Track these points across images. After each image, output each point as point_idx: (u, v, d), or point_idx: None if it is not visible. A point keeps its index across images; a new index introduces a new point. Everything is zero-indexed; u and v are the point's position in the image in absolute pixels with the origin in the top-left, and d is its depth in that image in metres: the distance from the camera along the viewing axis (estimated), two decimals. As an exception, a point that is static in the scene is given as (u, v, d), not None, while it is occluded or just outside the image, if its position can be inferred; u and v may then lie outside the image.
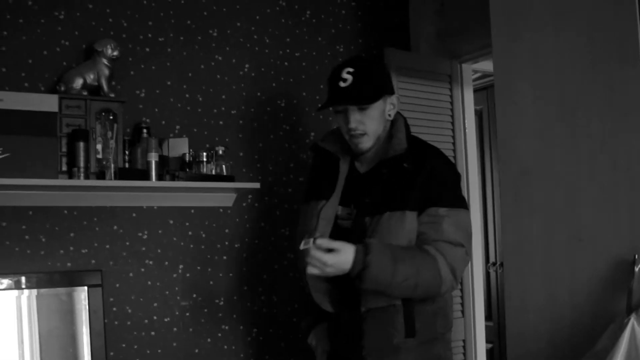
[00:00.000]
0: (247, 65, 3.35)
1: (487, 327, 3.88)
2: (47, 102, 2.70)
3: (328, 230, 2.35)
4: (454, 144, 3.70)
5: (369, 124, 2.31)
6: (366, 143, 2.34)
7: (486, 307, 4.47)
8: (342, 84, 2.29)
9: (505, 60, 2.53)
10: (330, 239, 2.11)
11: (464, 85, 3.78)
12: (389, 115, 2.39)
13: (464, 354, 3.67)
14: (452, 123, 3.71)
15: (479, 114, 4.73)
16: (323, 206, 2.38)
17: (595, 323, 2.07)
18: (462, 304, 3.64)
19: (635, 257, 1.97)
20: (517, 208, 2.44)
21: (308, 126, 3.49)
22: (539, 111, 2.36)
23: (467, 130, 3.75)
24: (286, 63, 3.46)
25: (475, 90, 4.01)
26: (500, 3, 2.55)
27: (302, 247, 2.09)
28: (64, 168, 2.75)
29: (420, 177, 2.24)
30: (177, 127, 3.16)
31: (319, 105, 2.49)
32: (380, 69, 2.42)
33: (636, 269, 1.96)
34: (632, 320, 1.88)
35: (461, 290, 3.64)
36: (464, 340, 3.65)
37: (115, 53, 2.88)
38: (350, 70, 2.30)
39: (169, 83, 3.16)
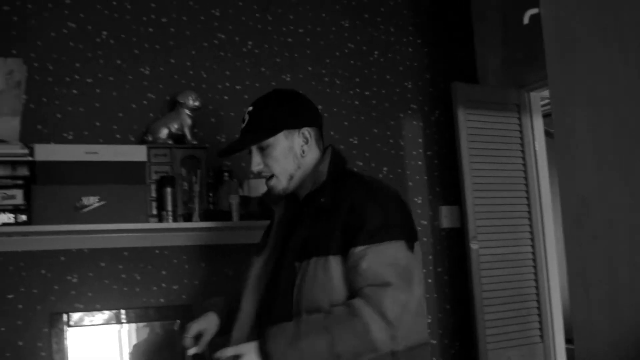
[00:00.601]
0: (320, 107, 3.50)
1: (569, 350, 3.89)
2: (137, 153, 2.93)
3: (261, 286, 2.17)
4: (525, 171, 3.77)
5: (272, 165, 2.13)
6: (278, 185, 2.16)
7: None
8: (242, 125, 2.19)
9: (560, 91, 2.63)
10: (227, 348, 1.93)
11: (533, 113, 3.86)
12: (302, 150, 2.15)
13: (545, 380, 3.71)
14: (523, 151, 3.79)
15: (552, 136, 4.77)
16: (253, 265, 2.24)
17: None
18: (541, 329, 3.70)
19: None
20: (579, 236, 2.52)
21: (381, 162, 3.65)
22: (596, 140, 2.44)
23: (538, 157, 3.82)
24: (357, 102, 3.63)
25: (547, 115, 4.06)
26: (554, 36, 2.66)
27: (189, 353, 2.23)
28: (154, 212, 2.98)
29: (341, 215, 1.97)
30: (256, 168, 3.36)
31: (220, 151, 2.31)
32: (279, 102, 2.20)
33: None
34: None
35: (539, 314, 3.70)
36: (543, 366, 3.71)
37: (197, 103, 3.11)
38: (250, 109, 2.19)
39: (247, 127, 3.37)
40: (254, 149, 2.15)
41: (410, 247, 1.99)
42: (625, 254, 2.33)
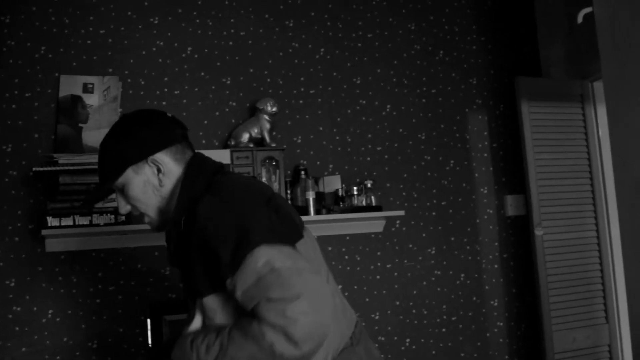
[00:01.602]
0: (388, 106, 3.78)
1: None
2: (222, 156, 3.23)
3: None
4: (589, 159, 3.91)
5: (136, 204, 1.94)
6: (152, 222, 1.98)
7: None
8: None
9: (613, 83, 2.80)
10: None
11: (597, 102, 3.98)
12: (159, 180, 1.92)
13: (610, 361, 3.86)
14: (586, 140, 3.93)
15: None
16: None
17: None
18: (606, 310, 3.85)
19: None
20: (633, 220, 2.71)
21: (448, 156, 3.87)
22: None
23: (602, 144, 3.96)
24: (424, 100, 3.86)
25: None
26: (607, 33, 2.83)
27: None
28: (238, 210, 3.29)
29: (196, 247, 1.76)
30: (330, 166, 3.64)
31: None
32: (117, 138, 1.95)
33: None
34: None
35: (604, 296, 3.86)
36: (609, 346, 3.86)
37: (274, 109, 3.40)
38: (99, 150, 1.99)
39: (321, 128, 3.65)
40: (116, 190, 1.98)
41: (281, 243, 1.72)
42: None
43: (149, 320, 3.19)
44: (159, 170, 1.92)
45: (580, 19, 3.58)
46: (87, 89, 3.31)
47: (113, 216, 3.05)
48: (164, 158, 1.92)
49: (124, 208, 1.97)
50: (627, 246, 2.77)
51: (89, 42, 3.36)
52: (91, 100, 3.30)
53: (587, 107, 3.95)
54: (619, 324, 3.86)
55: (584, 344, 3.76)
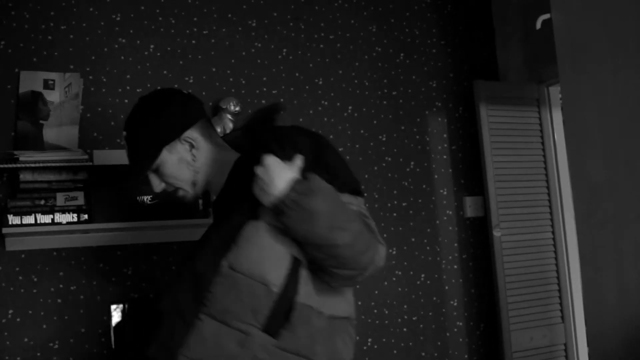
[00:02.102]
0: (350, 107, 3.80)
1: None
2: (184, 155, 3.22)
3: None
4: (545, 162, 3.99)
5: (170, 181, 2.05)
6: (186, 194, 2.09)
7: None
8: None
9: (571, 88, 2.87)
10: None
11: (552, 106, 4.07)
12: (193, 155, 2.03)
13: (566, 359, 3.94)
14: (542, 143, 4.01)
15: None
16: None
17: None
18: (562, 310, 3.93)
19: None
20: (589, 222, 2.78)
21: (408, 157, 3.91)
22: (604, 134, 2.68)
23: (557, 148, 4.04)
24: (385, 102, 3.89)
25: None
26: (564, 38, 2.90)
27: None
28: (201, 207, 3.23)
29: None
30: (293, 166, 3.64)
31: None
32: (146, 121, 2.03)
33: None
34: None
35: (559, 296, 3.93)
36: (565, 345, 3.93)
37: (237, 108, 3.39)
38: (124, 134, 2.07)
39: (283, 129, 3.65)
40: (149, 172, 2.05)
41: None
42: (633, 239, 2.58)
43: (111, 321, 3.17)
44: (191, 146, 2.02)
45: (539, 25, 3.66)
46: (47, 85, 3.26)
47: (75, 215, 3.01)
48: (194, 134, 2.02)
49: (159, 187, 2.07)
50: (584, 248, 2.83)
51: (49, 37, 3.31)
52: (52, 96, 3.25)
53: (543, 111, 4.05)
54: (574, 323, 3.95)
55: (541, 342, 3.84)
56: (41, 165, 2.97)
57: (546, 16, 3.62)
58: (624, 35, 2.58)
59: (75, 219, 3.01)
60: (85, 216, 3.02)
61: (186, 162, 2.02)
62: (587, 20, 2.76)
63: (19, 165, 2.96)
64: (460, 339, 3.87)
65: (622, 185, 2.62)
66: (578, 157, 2.84)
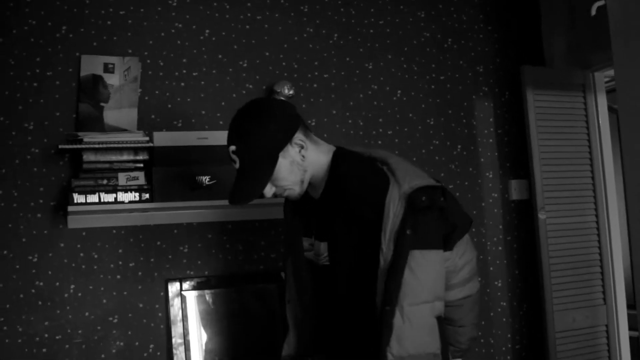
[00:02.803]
0: (399, 91, 3.87)
1: (632, 315, 4.09)
2: (240, 137, 3.31)
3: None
4: (589, 146, 4.03)
5: (283, 184, 2.16)
6: (293, 193, 2.21)
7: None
8: (236, 166, 2.13)
9: (625, 74, 2.91)
10: None
11: (597, 91, 4.11)
12: (302, 156, 2.15)
13: (607, 342, 3.97)
14: (587, 127, 4.05)
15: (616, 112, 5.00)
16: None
17: None
18: (604, 292, 3.98)
19: None
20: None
21: (455, 141, 3.98)
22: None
23: (602, 133, 4.08)
24: (433, 86, 3.95)
25: (610, 91, 4.28)
26: (620, 24, 2.93)
27: None
28: (255, 189, 3.36)
29: None
30: (343, 149, 3.73)
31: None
32: (259, 131, 2.08)
33: None
34: None
35: (602, 278, 3.98)
36: (606, 326, 3.99)
37: (291, 92, 3.47)
38: (233, 149, 2.10)
39: (334, 112, 3.74)
40: None
41: None
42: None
43: (167, 296, 3.29)
44: (301, 147, 2.14)
45: (594, 11, 3.69)
46: (107, 69, 3.37)
47: (137, 194, 3.11)
48: (300, 135, 2.15)
49: (270, 192, 2.16)
50: (636, 233, 2.87)
51: (109, 22, 3.41)
52: (112, 80, 3.36)
53: (589, 97, 4.08)
54: (615, 305, 4.00)
55: (583, 323, 3.89)
56: (104, 146, 3.08)
57: (601, 2, 3.64)
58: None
59: (137, 198, 3.11)
60: (147, 195, 3.12)
61: (297, 163, 2.14)
62: (640, 7, 2.80)
63: (83, 146, 3.06)
64: (504, 319, 3.95)
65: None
66: (631, 141, 2.88)
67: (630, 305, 4.10)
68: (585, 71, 4.07)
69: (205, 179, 3.17)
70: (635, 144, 2.85)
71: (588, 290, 3.94)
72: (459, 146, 3.96)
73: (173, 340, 3.30)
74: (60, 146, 3.07)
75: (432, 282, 2.02)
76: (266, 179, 2.11)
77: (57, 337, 3.20)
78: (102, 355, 3.26)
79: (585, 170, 4.02)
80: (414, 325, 1.95)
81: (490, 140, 4.04)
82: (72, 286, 3.25)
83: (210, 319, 3.38)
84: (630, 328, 4.06)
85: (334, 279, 2.16)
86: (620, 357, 3.95)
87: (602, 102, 4.13)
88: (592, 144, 4.05)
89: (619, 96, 2.95)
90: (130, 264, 3.35)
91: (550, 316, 3.80)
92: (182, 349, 3.29)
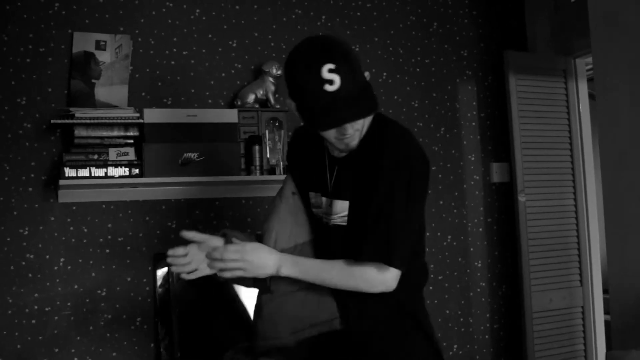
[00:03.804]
0: (385, 74, 3.94)
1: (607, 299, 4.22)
2: (229, 115, 3.37)
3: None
4: (569, 131, 4.12)
5: (360, 127, 1.99)
6: (354, 143, 2.01)
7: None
8: (329, 88, 1.84)
9: (602, 57, 3.01)
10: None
11: (578, 77, 4.19)
12: None
13: (583, 323, 4.08)
14: (568, 113, 4.14)
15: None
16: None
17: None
18: (580, 274, 4.08)
19: None
20: (616, 186, 2.93)
21: (439, 124, 4.06)
22: (634, 100, 2.82)
23: (582, 118, 4.18)
24: (418, 69, 4.03)
25: (590, 79, 4.34)
26: (598, 8, 3.03)
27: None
28: (243, 167, 3.43)
29: None
30: (330, 129, 3.79)
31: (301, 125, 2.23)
32: (355, 53, 1.99)
33: None
34: None
35: (579, 261, 4.09)
36: (582, 307, 4.09)
37: (279, 72, 3.52)
38: (332, 67, 1.84)
39: (321, 93, 3.79)
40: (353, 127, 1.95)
41: None
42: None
43: (155, 270, 3.36)
44: None
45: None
46: (99, 46, 3.41)
47: (127, 169, 3.17)
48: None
49: (354, 131, 1.96)
50: (610, 211, 2.98)
51: (101, 0, 3.46)
52: (103, 57, 3.41)
53: (570, 82, 4.17)
54: (592, 287, 4.11)
55: (560, 304, 4.00)
56: (95, 121, 3.13)
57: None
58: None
59: (127, 173, 3.18)
60: (137, 170, 3.19)
61: None
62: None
63: (74, 121, 3.12)
64: (483, 299, 4.05)
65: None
66: (607, 122, 2.98)
67: (606, 290, 4.20)
68: (567, 57, 4.16)
69: (194, 156, 3.24)
70: (610, 130, 2.95)
71: (565, 272, 4.04)
72: (442, 129, 4.05)
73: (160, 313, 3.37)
74: (52, 121, 3.12)
75: None
76: (374, 105, 1.92)
77: (46, 309, 3.26)
78: (90, 327, 3.33)
79: (565, 155, 4.12)
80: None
81: (473, 124, 4.12)
82: (62, 259, 3.31)
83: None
84: (606, 312, 4.14)
85: (348, 240, 2.05)
86: (595, 339, 4.07)
87: (583, 88, 4.22)
88: (572, 129, 4.14)
89: (597, 83, 3.05)
90: (119, 239, 3.42)
91: (528, 296, 3.90)
92: (168, 322, 3.35)
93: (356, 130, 1.96)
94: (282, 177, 3.37)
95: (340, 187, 2.09)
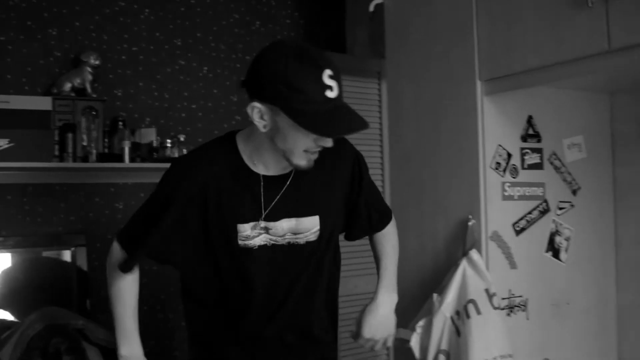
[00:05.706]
0: (205, 68, 4.10)
1: None
2: (43, 103, 3.43)
3: None
4: (380, 129, 4.42)
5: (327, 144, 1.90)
6: (311, 161, 1.91)
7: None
8: (330, 94, 1.74)
9: (393, 66, 3.28)
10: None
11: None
12: None
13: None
14: (380, 111, 4.46)
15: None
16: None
17: (448, 265, 2.82)
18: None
19: (468, 217, 2.74)
20: (400, 180, 3.21)
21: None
22: (416, 109, 3.09)
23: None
24: (238, 65, 4.21)
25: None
26: (392, 22, 3.29)
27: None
28: (57, 153, 3.48)
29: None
30: (147, 119, 3.92)
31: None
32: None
33: (469, 224, 2.72)
34: (464, 261, 2.66)
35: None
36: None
37: (97, 62, 3.62)
38: (331, 73, 1.73)
39: (141, 84, 3.92)
40: None
41: None
42: (429, 196, 3.03)
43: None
44: None
45: (371, 8, 4.03)
46: None
47: None
48: None
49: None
50: (395, 202, 3.24)
51: None
52: None
53: (383, 83, 4.45)
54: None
55: (364, 290, 4.26)
56: None
57: (379, 0, 3.98)
58: (437, 28, 2.98)
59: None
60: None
61: None
62: (411, 5, 3.15)
63: None
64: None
65: (424, 154, 3.04)
66: (395, 125, 3.25)
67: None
68: (381, 60, 4.43)
69: (4, 142, 3.28)
70: (398, 127, 3.22)
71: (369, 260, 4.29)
72: (256, 125, 4.22)
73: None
74: None
75: None
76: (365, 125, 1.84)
77: None
78: None
79: (376, 152, 4.40)
80: None
81: (291, 120, 4.31)
82: None
83: (7, 278, 3.48)
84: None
85: (320, 252, 2.09)
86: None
87: (394, 88, 4.51)
88: (383, 126, 4.42)
89: (388, 85, 3.33)
90: None
91: (336, 282, 4.13)
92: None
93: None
94: (95, 164, 3.50)
95: (298, 205, 2.01)
